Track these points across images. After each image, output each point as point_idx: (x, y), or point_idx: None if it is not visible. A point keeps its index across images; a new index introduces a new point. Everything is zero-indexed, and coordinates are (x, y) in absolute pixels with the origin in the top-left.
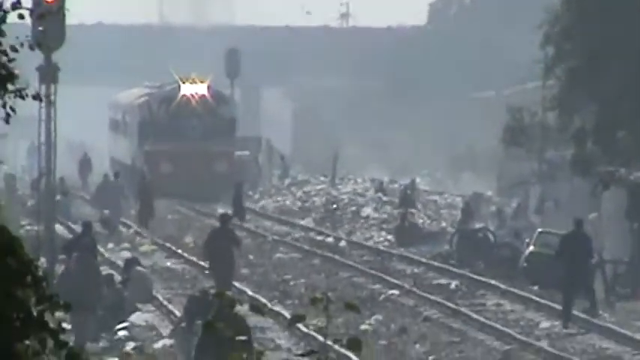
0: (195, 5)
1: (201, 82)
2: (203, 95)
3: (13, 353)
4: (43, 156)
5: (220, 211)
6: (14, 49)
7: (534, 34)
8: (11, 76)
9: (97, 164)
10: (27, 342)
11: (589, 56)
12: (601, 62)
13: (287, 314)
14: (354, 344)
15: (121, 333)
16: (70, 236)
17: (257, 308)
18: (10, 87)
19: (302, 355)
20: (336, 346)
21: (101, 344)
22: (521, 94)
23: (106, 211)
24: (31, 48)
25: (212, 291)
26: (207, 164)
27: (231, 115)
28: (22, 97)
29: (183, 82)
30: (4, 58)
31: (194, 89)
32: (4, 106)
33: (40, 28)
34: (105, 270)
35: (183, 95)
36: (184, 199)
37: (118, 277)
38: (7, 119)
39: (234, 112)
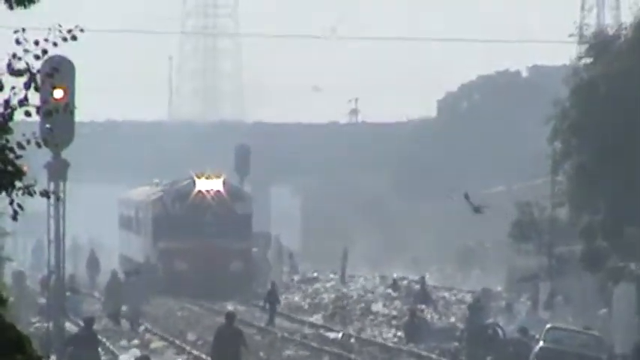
0: (206, 102)
1: (217, 177)
2: (218, 191)
3: None
4: (52, 253)
5: (229, 308)
6: (21, 147)
7: (543, 129)
8: (19, 173)
9: (106, 261)
10: None
11: (597, 152)
12: (608, 158)
13: None
14: None
15: None
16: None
17: None
18: (17, 184)
19: None
20: None
21: None
22: (531, 189)
23: (124, 308)
24: (38, 145)
25: None
26: (223, 262)
27: (247, 212)
28: (31, 194)
29: (199, 178)
30: (12, 155)
31: (209, 185)
32: (11, 203)
33: (48, 126)
34: None
35: (199, 191)
36: (199, 298)
37: None
38: (14, 216)
39: (250, 208)
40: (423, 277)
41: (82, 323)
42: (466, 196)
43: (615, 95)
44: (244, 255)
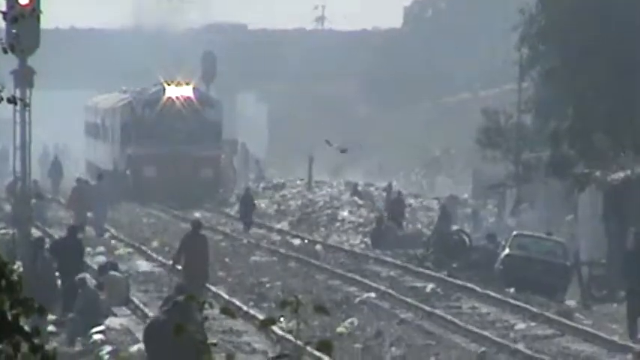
0: (171, 8)
1: (187, 84)
2: (188, 97)
3: None
4: (17, 160)
5: (196, 215)
6: None
7: (510, 36)
8: None
9: (72, 167)
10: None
11: (564, 58)
12: (576, 64)
13: (262, 317)
14: (325, 346)
15: (97, 337)
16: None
17: (228, 311)
18: None
19: (274, 358)
20: (309, 348)
21: (77, 348)
22: (497, 96)
23: (90, 214)
24: (4, 51)
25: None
26: (192, 169)
27: (218, 119)
28: None
29: (168, 85)
30: None
31: (179, 91)
32: None
33: (14, 31)
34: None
35: (168, 97)
36: (168, 205)
37: (92, 281)
38: None
39: (220, 115)
40: (389, 184)
41: (47, 229)
42: (328, 143)
43: (582, 1)
44: (214, 162)
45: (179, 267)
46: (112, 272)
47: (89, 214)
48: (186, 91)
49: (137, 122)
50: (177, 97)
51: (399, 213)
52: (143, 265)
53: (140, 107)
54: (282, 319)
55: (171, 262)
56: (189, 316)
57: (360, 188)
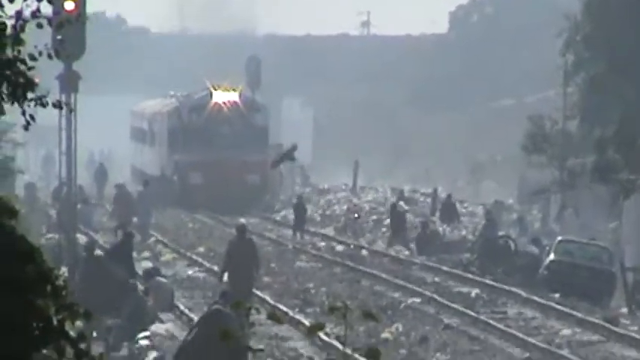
0: (217, 14)
1: (233, 89)
2: (235, 102)
3: None
4: (63, 165)
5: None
6: (33, 58)
7: (555, 41)
8: (31, 84)
9: (117, 173)
10: (44, 351)
11: (609, 64)
12: (620, 70)
13: (308, 323)
14: (373, 353)
15: (143, 342)
16: (109, 245)
17: (275, 316)
18: (29, 95)
19: None
20: (356, 355)
21: (122, 353)
22: (542, 101)
23: (135, 219)
24: (50, 57)
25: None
26: (239, 174)
27: (264, 123)
28: (43, 105)
29: (215, 89)
30: (23, 67)
31: (226, 96)
32: (23, 114)
33: (59, 37)
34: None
35: (215, 102)
36: (215, 211)
37: (141, 287)
38: (26, 127)
39: (267, 119)
40: (435, 190)
41: (92, 234)
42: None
43: (627, 7)
44: (261, 167)
45: (225, 277)
46: (158, 278)
47: (134, 219)
48: (233, 96)
49: (184, 128)
50: (224, 103)
51: (450, 216)
52: (188, 271)
53: (187, 112)
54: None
55: (218, 269)
56: (225, 323)
57: (405, 194)
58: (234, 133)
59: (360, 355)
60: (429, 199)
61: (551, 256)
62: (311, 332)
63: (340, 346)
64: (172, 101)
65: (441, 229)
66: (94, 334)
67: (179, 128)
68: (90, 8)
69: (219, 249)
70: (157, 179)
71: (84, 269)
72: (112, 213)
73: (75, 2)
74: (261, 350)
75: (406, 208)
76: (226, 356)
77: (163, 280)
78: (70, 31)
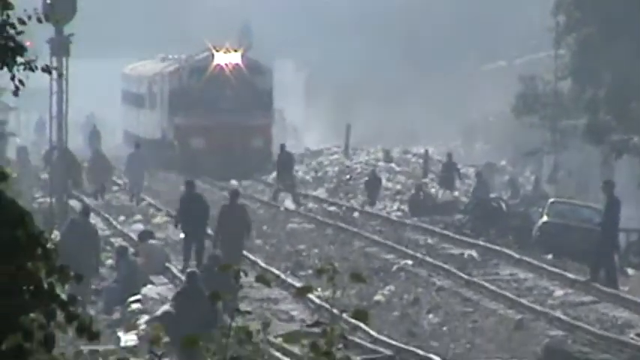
0: None
1: (235, 50)
2: (237, 64)
3: (18, 326)
4: (54, 129)
5: (233, 183)
6: (22, 22)
7: (546, 2)
8: (20, 49)
9: (109, 137)
10: (32, 315)
11: (600, 24)
12: (612, 30)
13: (299, 285)
14: (361, 315)
15: (134, 305)
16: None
17: (263, 279)
18: (19, 59)
19: (309, 325)
20: (345, 316)
21: (114, 316)
22: (534, 63)
23: (127, 180)
24: (39, 20)
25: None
26: (242, 138)
27: (268, 86)
28: (32, 70)
29: (217, 51)
30: (12, 31)
31: (228, 58)
32: (12, 79)
33: (48, 1)
34: (118, 242)
35: (217, 64)
36: (217, 177)
37: (131, 250)
38: (16, 92)
39: (271, 82)
40: (426, 151)
41: (84, 198)
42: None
43: None
44: (264, 131)
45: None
46: (150, 241)
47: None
48: (235, 57)
49: (185, 90)
50: (226, 64)
51: (451, 178)
52: (180, 234)
53: (187, 74)
54: (319, 287)
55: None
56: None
57: (394, 155)
58: (237, 96)
59: (349, 316)
60: (420, 160)
61: (544, 218)
62: (299, 294)
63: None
64: (172, 63)
65: (439, 191)
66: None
67: (180, 91)
68: None
69: (211, 212)
70: (154, 142)
71: (69, 228)
72: (88, 177)
73: None
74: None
75: (398, 169)
76: (202, 316)
77: (156, 242)
78: None
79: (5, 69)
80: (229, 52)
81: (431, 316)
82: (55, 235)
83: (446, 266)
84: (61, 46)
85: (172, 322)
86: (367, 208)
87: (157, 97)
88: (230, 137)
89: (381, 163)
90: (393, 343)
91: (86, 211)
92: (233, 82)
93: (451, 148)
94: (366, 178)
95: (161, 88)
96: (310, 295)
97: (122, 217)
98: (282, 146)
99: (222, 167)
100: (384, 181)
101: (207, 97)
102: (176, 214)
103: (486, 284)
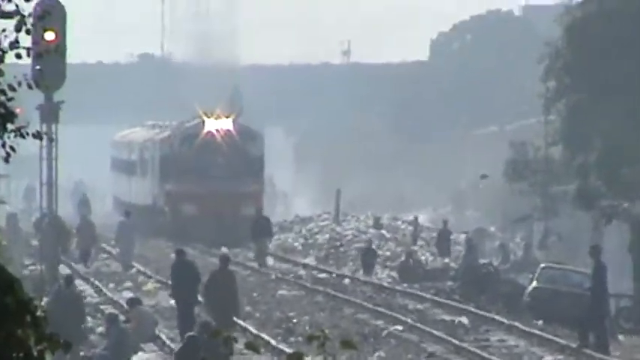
0: (198, 44)
1: (227, 117)
2: (229, 130)
3: None
4: (44, 196)
5: (223, 250)
6: (12, 88)
7: (536, 68)
8: (11, 115)
9: (99, 203)
10: None
11: (590, 91)
12: (602, 97)
13: (290, 352)
14: None
15: None
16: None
17: (252, 346)
18: (9, 126)
19: None
20: None
21: None
22: (524, 129)
23: (117, 250)
24: (30, 87)
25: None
26: (233, 205)
27: (259, 152)
28: (23, 136)
29: (208, 117)
30: (3, 97)
31: (219, 124)
32: (3, 146)
33: (38, 67)
34: (108, 309)
35: (208, 131)
36: (208, 244)
37: (121, 317)
38: (7, 159)
39: (262, 148)
40: (415, 218)
41: (74, 265)
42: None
43: (608, 34)
44: (256, 198)
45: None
46: (140, 307)
47: (117, 250)
48: (227, 123)
49: (175, 157)
50: (217, 131)
51: (447, 245)
52: (170, 301)
53: (179, 141)
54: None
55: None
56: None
57: (384, 222)
58: (228, 163)
59: None
60: (410, 227)
61: (534, 283)
62: None
63: None
64: (163, 129)
65: (429, 258)
66: None
67: (171, 157)
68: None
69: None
70: (147, 210)
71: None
72: (76, 243)
73: (55, 32)
74: None
75: (388, 236)
76: None
77: (146, 309)
78: (49, 62)
79: None
80: (220, 118)
81: None
82: (46, 301)
83: (436, 332)
84: (50, 113)
85: None
86: (358, 276)
87: (148, 164)
88: (221, 204)
89: (371, 230)
90: None
91: (69, 279)
92: (224, 149)
93: (441, 215)
94: (363, 248)
95: (152, 154)
96: None
97: (112, 285)
98: (259, 210)
99: (213, 234)
100: (374, 247)
101: (199, 163)
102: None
103: (477, 350)
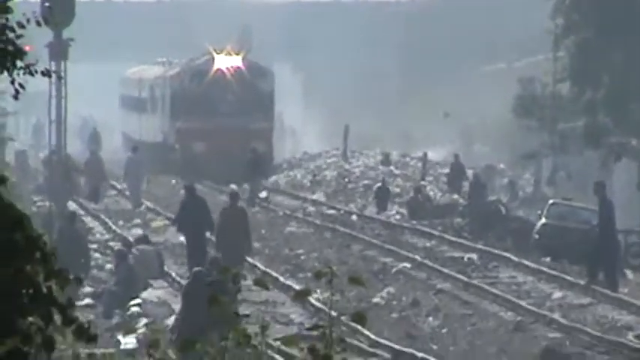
0: None
1: (236, 54)
2: (238, 67)
3: (16, 329)
4: (53, 133)
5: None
6: (21, 26)
7: (544, 5)
8: (20, 53)
9: (108, 140)
10: (30, 318)
11: (598, 28)
12: (611, 34)
13: (298, 288)
14: (359, 318)
15: (134, 309)
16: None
17: (261, 282)
18: (18, 63)
19: (307, 329)
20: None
21: (114, 320)
22: (533, 65)
23: (125, 185)
24: (38, 24)
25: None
26: (244, 142)
27: (269, 89)
28: (32, 74)
29: (218, 54)
30: (12, 35)
31: (229, 61)
32: (12, 83)
33: (47, 4)
34: (118, 246)
35: (218, 68)
36: (218, 181)
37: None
38: (16, 96)
39: (272, 84)
40: (425, 154)
41: (83, 202)
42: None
43: None
44: (266, 134)
45: (215, 239)
46: (140, 246)
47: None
48: (236, 60)
49: (186, 94)
50: (227, 68)
51: (460, 179)
52: (180, 237)
53: (189, 78)
54: (317, 290)
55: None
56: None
57: (393, 158)
58: (239, 100)
59: (347, 319)
60: (419, 163)
61: (543, 220)
62: (298, 297)
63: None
64: (173, 66)
65: (438, 194)
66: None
67: (181, 94)
68: None
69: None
70: (157, 147)
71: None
72: (85, 180)
73: None
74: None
75: (397, 172)
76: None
77: (147, 247)
78: None
79: (5, 73)
80: (230, 55)
81: (430, 318)
82: (54, 238)
83: (445, 269)
84: (59, 50)
85: (184, 324)
86: (366, 213)
87: (158, 101)
88: (231, 141)
89: (380, 167)
90: (392, 345)
91: (72, 217)
92: (234, 86)
93: (450, 152)
94: (377, 186)
95: (162, 91)
96: (309, 299)
97: (121, 222)
98: (254, 149)
99: (224, 171)
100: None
101: (209, 100)
102: (175, 217)
103: (485, 287)
